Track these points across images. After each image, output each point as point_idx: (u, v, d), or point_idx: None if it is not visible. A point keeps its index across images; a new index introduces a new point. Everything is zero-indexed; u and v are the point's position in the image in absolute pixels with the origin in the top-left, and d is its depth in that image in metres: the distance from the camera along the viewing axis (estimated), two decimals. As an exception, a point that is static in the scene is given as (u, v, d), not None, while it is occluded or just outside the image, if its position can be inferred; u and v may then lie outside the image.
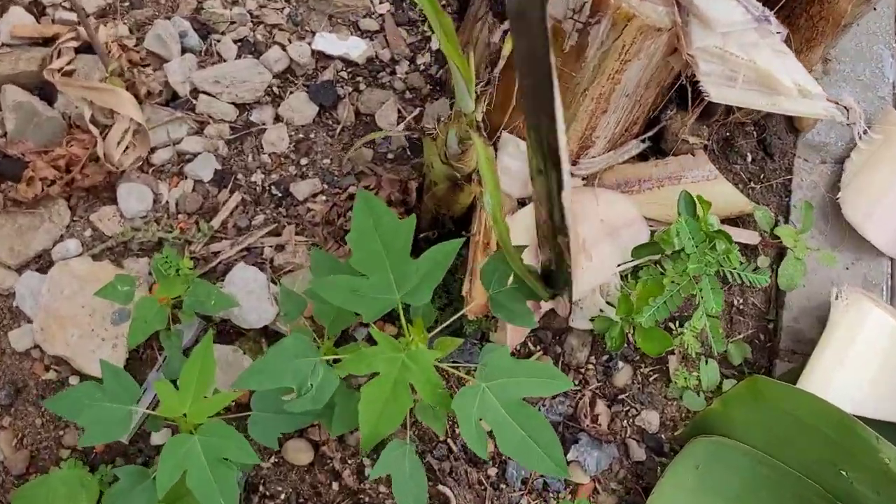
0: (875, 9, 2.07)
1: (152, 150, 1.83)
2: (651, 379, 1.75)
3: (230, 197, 1.82)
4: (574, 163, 1.77)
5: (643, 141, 1.85)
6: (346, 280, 1.33)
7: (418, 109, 1.95)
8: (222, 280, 1.70)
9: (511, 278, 1.41)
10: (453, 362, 1.50)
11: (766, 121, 1.96)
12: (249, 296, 1.66)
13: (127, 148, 1.78)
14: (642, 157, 1.90)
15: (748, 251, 1.84)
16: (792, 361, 1.73)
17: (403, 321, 1.33)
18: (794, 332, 1.76)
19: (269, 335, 1.71)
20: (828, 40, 1.79)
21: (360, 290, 1.32)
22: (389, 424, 1.28)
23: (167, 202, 1.79)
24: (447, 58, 1.28)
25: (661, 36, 1.48)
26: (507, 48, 1.55)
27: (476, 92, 1.39)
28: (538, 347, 1.74)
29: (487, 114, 1.76)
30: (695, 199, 1.65)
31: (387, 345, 1.28)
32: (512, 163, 1.75)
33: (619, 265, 1.71)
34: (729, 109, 1.89)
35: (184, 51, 1.93)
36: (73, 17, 1.93)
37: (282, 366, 1.29)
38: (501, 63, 1.58)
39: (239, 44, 1.98)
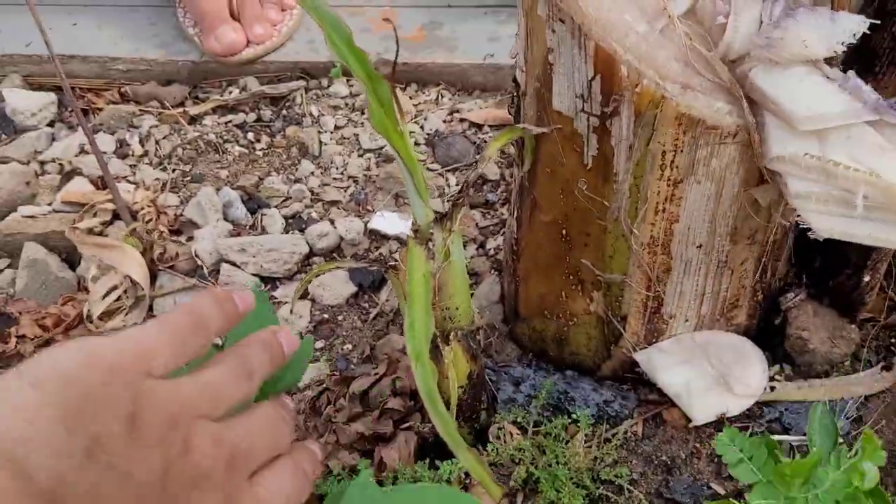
0: None
1: (154, 319, 1.58)
2: None
3: (220, 377, 1.48)
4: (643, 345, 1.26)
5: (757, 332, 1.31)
6: None
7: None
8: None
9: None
10: None
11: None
12: None
13: (118, 312, 1.54)
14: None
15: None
16: None
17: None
18: None
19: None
20: None
21: None
22: None
23: (151, 377, 1.50)
24: (385, 137, 0.94)
25: (725, 145, 1.03)
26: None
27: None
28: None
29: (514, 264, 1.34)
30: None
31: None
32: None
33: None
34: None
35: (227, 222, 1.74)
36: (132, 192, 1.82)
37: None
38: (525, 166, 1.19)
39: (290, 220, 1.75)
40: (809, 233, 1.03)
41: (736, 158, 1.05)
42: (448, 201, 1.01)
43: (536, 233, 1.23)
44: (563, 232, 1.18)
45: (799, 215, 1.04)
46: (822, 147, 1.02)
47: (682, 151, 1.02)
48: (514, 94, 1.16)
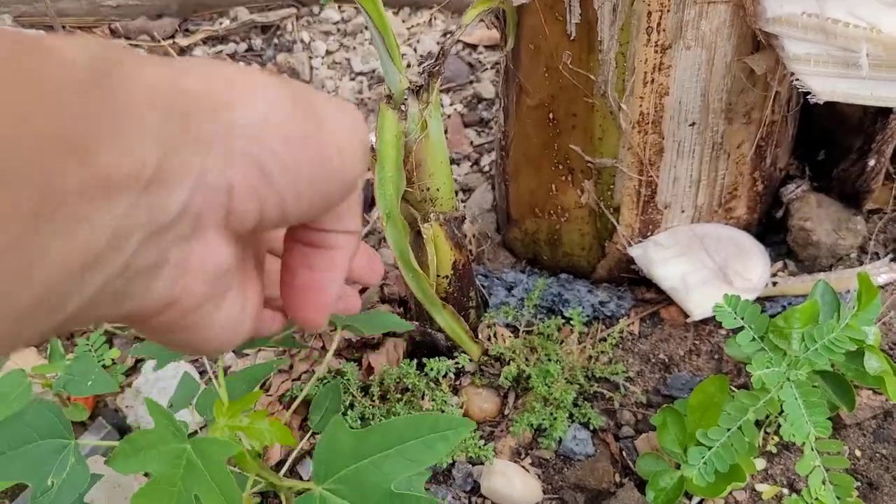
0: None
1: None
2: None
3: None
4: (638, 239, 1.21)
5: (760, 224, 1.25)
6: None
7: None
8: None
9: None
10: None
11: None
12: (162, 395, 1.23)
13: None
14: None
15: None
16: None
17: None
18: None
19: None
20: None
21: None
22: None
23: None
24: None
25: (715, 5, 0.98)
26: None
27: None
28: (561, 516, 1.10)
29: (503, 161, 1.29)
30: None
31: (166, 426, 0.76)
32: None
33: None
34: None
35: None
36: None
37: (19, 453, 0.82)
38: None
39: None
40: (809, 97, 0.98)
41: (727, 21, 0.99)
42: (423, 71, 0.96)
43: (524, 121, 1.18)
44: (550, 115, 1.13)
45: (797, 79, 0.98)
46: (819, 4, 0.96)
47: (668, 11, 0.97)
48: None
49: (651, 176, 1.13)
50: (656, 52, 1.01)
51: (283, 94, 0.36)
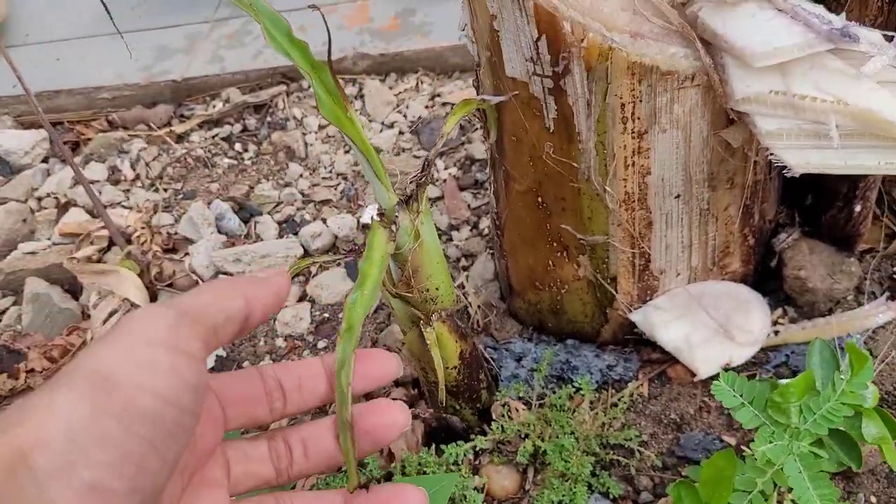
0: None
1: (159, 338, 1.59)
2: None
3: (228, 387, 1.49)
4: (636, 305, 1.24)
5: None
6: None
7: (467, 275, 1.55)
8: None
9: None
10: None
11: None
12: None
13: (122, 333, 1.55)
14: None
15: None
16: None
17: None
18: None
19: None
20: None
21: None
22: None
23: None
24: (336, 125, 0.93)
25: (685, 90, 1.01)
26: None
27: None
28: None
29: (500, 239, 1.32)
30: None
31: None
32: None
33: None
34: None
35: (221, 234, 1.74)
36: (126, 216, 1.84)
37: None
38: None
39: (283, 224, 1.75)
40: (785, 171, 1.01)
41: (699, 102, 1.02)
42: (411, 182, 0.99)
43: (514, 204, 1.21)
44: (539, 199, 1.16)
45: (772, 154, 1.01)
46: (785, 82, 0.99)
47: (640, 101, 1.00)
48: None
49: (643, 247, 1.16)
50: (633, 137, 1.04)
51: (69, 397, 0.38)
